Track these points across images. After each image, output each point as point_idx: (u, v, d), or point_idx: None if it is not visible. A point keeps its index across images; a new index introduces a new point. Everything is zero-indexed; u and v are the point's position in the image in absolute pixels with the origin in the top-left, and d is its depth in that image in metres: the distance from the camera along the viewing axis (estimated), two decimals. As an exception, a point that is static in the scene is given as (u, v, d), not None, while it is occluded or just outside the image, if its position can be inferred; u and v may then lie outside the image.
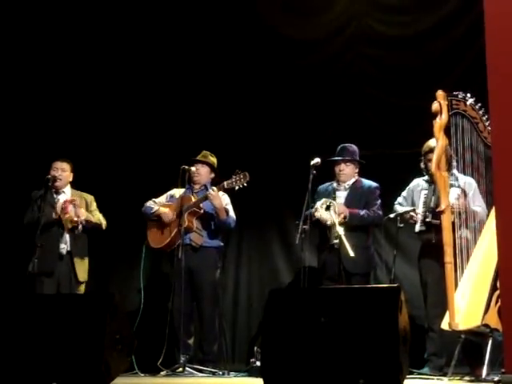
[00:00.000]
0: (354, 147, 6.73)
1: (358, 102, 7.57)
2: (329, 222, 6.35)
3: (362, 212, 6.49)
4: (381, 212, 6.56)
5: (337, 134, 6.95)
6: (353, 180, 6.70)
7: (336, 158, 6.65)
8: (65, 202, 6.73)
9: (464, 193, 5.70)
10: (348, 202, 6.56)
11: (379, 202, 6.61)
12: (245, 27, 7.82)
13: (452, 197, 5.53)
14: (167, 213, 6.81)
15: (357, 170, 6.73)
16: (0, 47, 7.96)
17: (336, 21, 7.67)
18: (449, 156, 5.40)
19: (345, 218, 6.36)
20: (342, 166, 6.64)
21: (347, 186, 6.68)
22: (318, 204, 6.42)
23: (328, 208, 6.34)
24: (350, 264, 6.30)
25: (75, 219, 6.68)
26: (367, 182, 6.71)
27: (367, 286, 6.26)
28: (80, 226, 6.73)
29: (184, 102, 7.99)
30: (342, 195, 6.63)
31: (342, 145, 6.72)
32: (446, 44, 7.28)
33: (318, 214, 6.39)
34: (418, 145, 6.18)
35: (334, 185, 6.69)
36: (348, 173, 6.66)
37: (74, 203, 6.72)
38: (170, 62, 8.00)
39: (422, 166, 6.19)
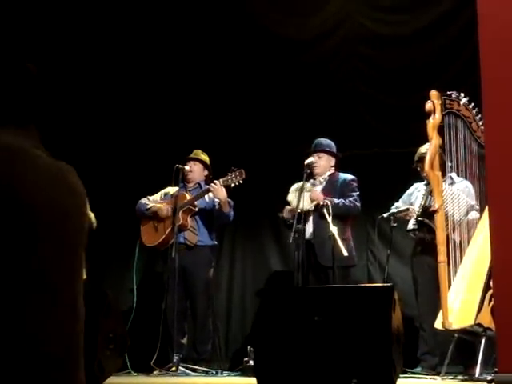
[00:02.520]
0: (329, 141, 6.71)
1: (352, 101, 7.57)
2: (293, 204, 6.34)
3: (337, 200, 6.42)
4: (358, 204, 6.50)
5: (331, 133, 6.94)
6: (328, 173, 6.69)
7: (308, 151, 6.65)
8: None
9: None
10: (323, 195, 6.56)
11: (356, 193, 6.54)
12: (238, 26, 7.81)
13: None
14: (163, 208, 6.80)
15: (332, 164, 6.70)
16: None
17: (330, 20, 7.66)
18: (443, 161, 5.40)
19: (320, 205, 6.32)
20: (315, 158, 6.63)
21: (322, 180, 6.68)
22: (293, 187, 6.45)
23: (301, 191, 6.32)
24: (324, 258, 6.31)
25: None
26: (343, 175, 6.67)
27: (360, 285, 6.27)
28: None
29: (177, 100, 7.97)
30: (318, 189, 6.62)
31: (317, 139, 6.73)
32: (440, 44, 7.28)
33: (289, 197, 6.42)
34: (412, 144, 6.18)
35: (311, 180, 6.68)
36: (322, 165, 6.64)
37: None
38: (163, 61, 7.98)
39: (419, 170, 6.20)
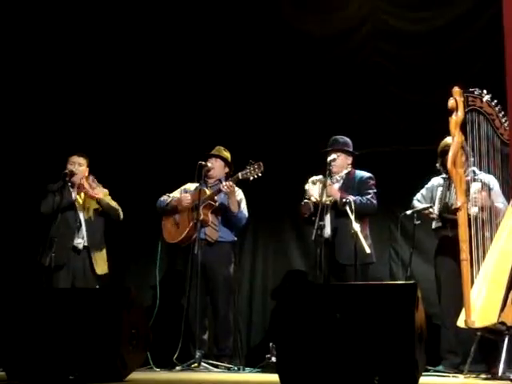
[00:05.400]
0: (346, 139, 6.69)
1: (374, 98, 7.55)
2: (312, 198, 6.34)
3: (354, 198, 6.36)
4: (375, 201, 6.48)
5: (352, 130, 6.93)
6: (345, 171, 6.66)
7: (325, 150, 6.63)
8: (82, 178, 6.79)
9: (487, 187, 5.65)
10: (340, 192, 6.52)
11: (373, 191, 6.52)
12: (259, 22, 7.83)
13: (476, 188, 5.52)
14: (182, 197, 6.82)
15: (349, 162, 6.67)
16: (19, 42, 8.00)
17: (352, 17, 7.65)
18: (466, 153, 5.38)
19: (343, 202, 6.28)
20: (333, 156, 6.62)
21: (339, 178, 6.65)
22: (313, 178, 6.46)
23: (324, 186, 6.30)
24: (343, 256, 6.30)
25: (92, 194, 6.72)
26: (360, 173, 6.64)
27: (383, 282, 6.25)
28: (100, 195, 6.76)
29: (198, 96, 7.99)
30: (335, 187, 6.61)
31: (333, 136, 6.70)
32: (463, 40, 7.26)
33: (307, 186, 6.43)
34: (434, 141, 6.16)
35: (329, 179, 6.67)
36: (339, 164, 6.60)
37: (92, 181, 6.78)
38: (186, 57, 8.01)
39: (438, 166, 6.16)
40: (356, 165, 6.74)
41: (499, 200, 5.70)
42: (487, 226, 5.26)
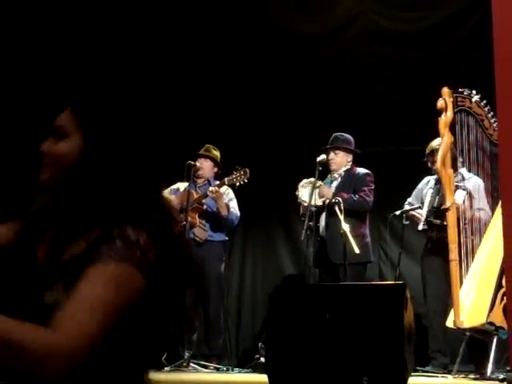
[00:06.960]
0: (347, 136, 6.66)
1: (365, 99, 7.55)
2: (305, 204, 6.32)
3: (347, 196, 6.35)
4: (369, 198, 6.43)
5: (343, 130, 6.92)
6: (344, 169, 6.64)
7: (325, 147, 6.62)
8: None
9: (470, 196, 5.64)
10: (338, 189, 6.50)
11: (368, 188, 6.47)
12: (250, 22, 7.81)
13: (459, 199, 5.50)
14: (172, 199, 6.80)
15: (349, 159, 6.64)
16: (12, 42, 7.97)
17: (342, 17, 7.65)
18: (454, 156, 5.39)
19: (332, 202, 6.27)
20: (332, 154, 6.57)
21: (337, 176, 6.64)
22: (302, 182, 6.44)
23: (313, 188, 6.28)
24: (335, 256, 6.28)
25: None
26: (359, 170, 6.62)
27: (372, 283, 6.25)
28: None
29: (188, 94, 7.97)
30: (333, 185, 6.60)
31: (334, 134, 6.70)
32: (453, 41, 7.27)
33: (298, 193, 6.42)
34: (426, 142, 6.16)
35: (329, 176, 6.66)
36: (338, 161, 6.60)
37: None
38: (176, 57, 7.98)
39: (430, 165, 6.17)
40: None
41: (480, 205, 5.68)
42: (468, 232, 5.28)
